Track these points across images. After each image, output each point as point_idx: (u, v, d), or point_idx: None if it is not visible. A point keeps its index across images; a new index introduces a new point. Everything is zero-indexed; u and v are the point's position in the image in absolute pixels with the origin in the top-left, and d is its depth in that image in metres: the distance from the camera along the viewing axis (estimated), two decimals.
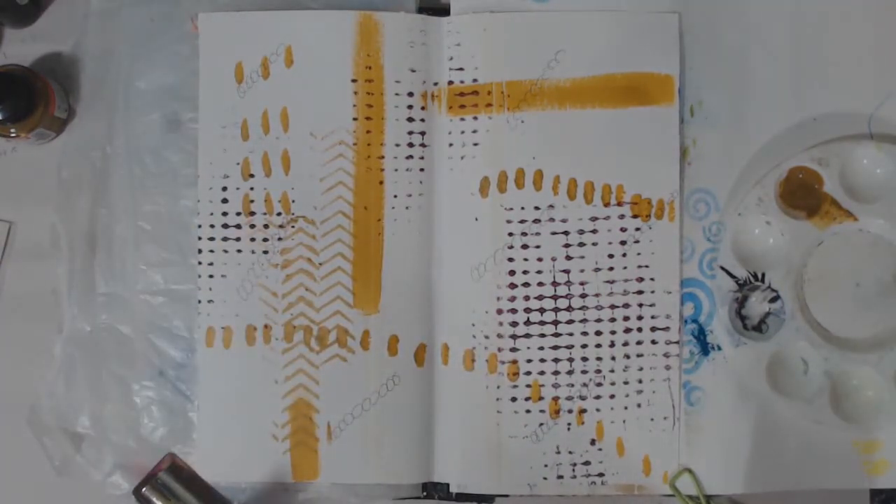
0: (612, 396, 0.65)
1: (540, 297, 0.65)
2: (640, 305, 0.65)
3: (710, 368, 0.66)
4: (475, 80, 0.66)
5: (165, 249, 0.67)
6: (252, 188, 0.66)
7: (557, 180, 0.66)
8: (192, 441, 0.66)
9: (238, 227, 0.66)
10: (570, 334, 0.65)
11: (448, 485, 0.65)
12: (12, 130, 0.65)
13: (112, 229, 0.67)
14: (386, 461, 0.64)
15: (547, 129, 0.66)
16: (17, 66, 0.67)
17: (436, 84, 0.67)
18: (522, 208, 0.65)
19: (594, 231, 0.65)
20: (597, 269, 0.65)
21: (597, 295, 0.65)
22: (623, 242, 0.65)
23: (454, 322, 0.66)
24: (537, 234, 0.65)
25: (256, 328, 0.66)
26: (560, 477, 0.65)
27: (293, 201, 0.66)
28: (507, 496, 0.66)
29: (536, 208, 0.65)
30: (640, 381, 0.65)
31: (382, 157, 0.66)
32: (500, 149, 0.66)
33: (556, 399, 0.65)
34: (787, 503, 0.65)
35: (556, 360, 0.65)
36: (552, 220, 0.65)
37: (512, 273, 0.65)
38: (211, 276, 0.66)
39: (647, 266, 0.65)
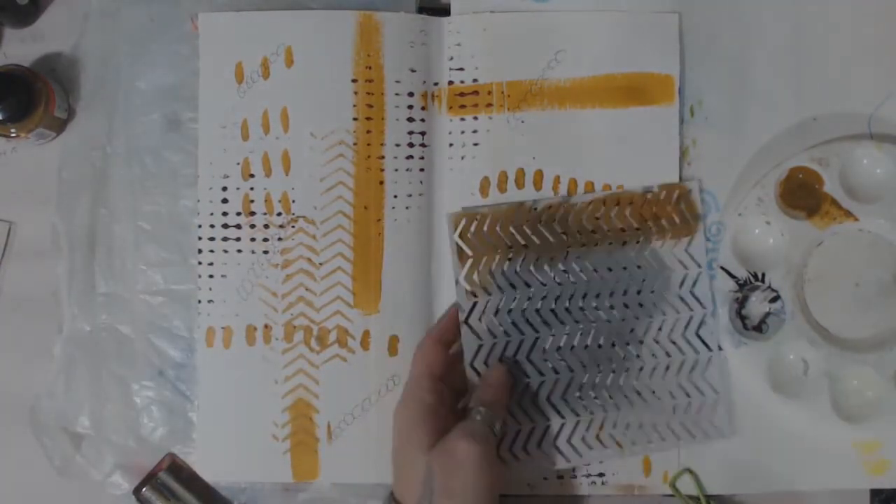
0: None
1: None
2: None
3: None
4: (475, 80, 0.66)
5: (165, 249, 0.67)
6: (252, 188, 0.66)
7: (557, 180, 0.66)
8: (192, 441, 0.66)
9: (238, 227, 0.66)
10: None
11: None
12: (12, 130, 0.65)
13: (112, 229, 0.67)
14: (386, 461, 0.64)
15: (547, 129, 0.66)
16: (17, 66, 0.67)
17: (436, 84, 0.67)
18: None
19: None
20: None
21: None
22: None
23: None
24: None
25: (256, 328, 0.66)
26: (560, 477, 0.65)
27: (293, 201, 0.66)
28: (507, 496, 0.65)
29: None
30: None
31: (382, 157, 0.66)
32: (500, 149, 0.66)
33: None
34: (787, 503, 0.65)
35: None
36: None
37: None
38: (211, 276, 0.66)
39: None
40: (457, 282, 0.64)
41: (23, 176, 0.69)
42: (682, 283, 0.65)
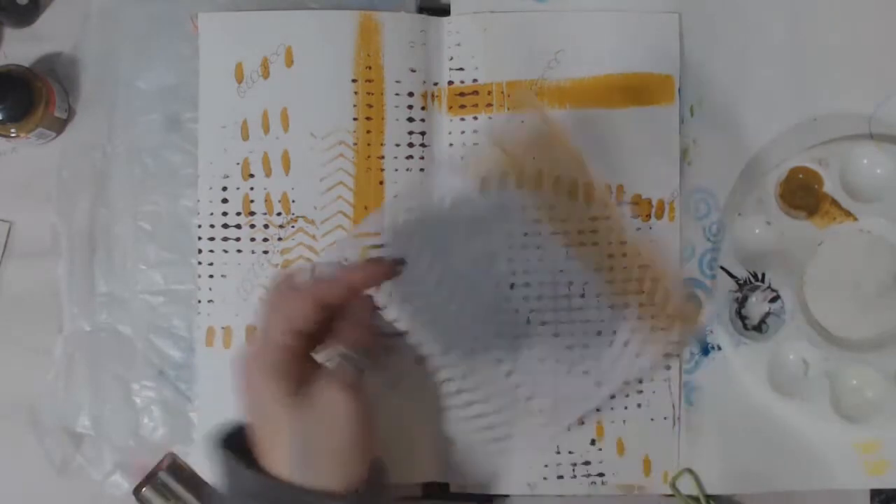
0: (612, 396, 0.65)
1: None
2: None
3: (710, 368, 0.66)
4: (475, 80, 0.66)
5: (165, 249, 0.67)
6: (252, 188, 0.66)
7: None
8: (192, 441, 0.66)
9: (238, 227, 0.66)
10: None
11: (448, 485, 0.65)
12: (12, 130, 0.65)
13: (112, 229, 0.67)
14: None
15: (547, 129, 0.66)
16: (17, 66, 0.67)
17: (436, 84, 0.67)
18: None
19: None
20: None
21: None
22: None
23: None
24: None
25: (256, 328, 0.66)
26: (560, 477, 0.65)
27: (293, 201, 0.66)
28: (507, 496, 0.66)
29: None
30: (640, 381, 0.65)
31: (382, 157, 0.66)
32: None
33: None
34: (787, 503, 0.65)
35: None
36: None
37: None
38: (211, 276, 0.66)
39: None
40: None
41: (23, 176, 0.69)
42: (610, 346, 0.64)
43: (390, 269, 0.56)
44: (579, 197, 0.64)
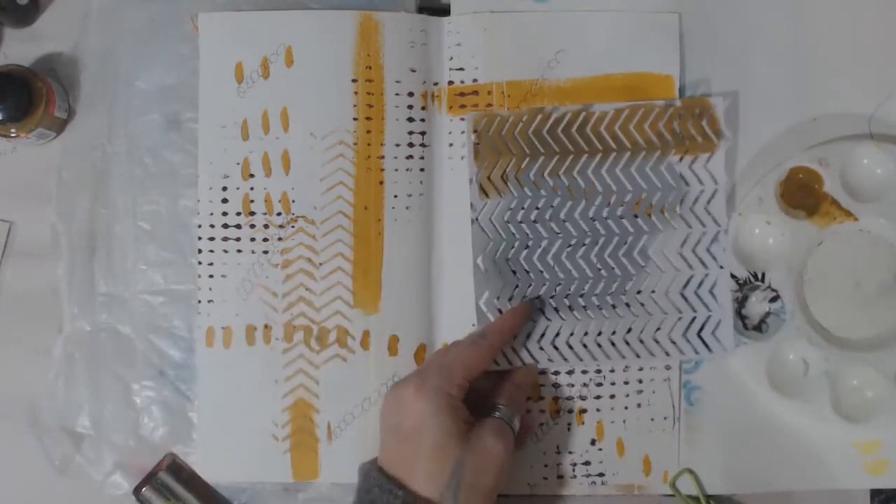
0: (612, 396, 0.65)
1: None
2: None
3: (710, 368, 0.66)
4: (475, 80, 0.66)
5: (165, 249, 0.67)
6: (252, 188, 0.66)
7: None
8: (192, 441, 0.66)
9: (238, 227, 0.66)
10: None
11: None
12: (12, 130, 0.65)
13: (112, 229, 0.67)
14: None
15: None
16: (17, 66, 0.67)
17: (436, 84, 0.67)
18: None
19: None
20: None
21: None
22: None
23: (454, 322, 0.66)
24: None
25: (256, 328, 0.66)
26: (560, 477, 0.65)
27: (293, 201, 0.66)
28: (507, 496, 0.66)
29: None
30: (640, 381, 0.65)
31: (382, 157, 0.66)
32: None
33: (556, 399, 0.65)
34: (787, 503, 0.65)
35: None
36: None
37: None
38: (211, 276, 0.66)
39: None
40: (471, 181, 0.65)
41: (23, 176, 0.69)
42: (696, 199, 0.65)
43: (531, 306, 0.64)
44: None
